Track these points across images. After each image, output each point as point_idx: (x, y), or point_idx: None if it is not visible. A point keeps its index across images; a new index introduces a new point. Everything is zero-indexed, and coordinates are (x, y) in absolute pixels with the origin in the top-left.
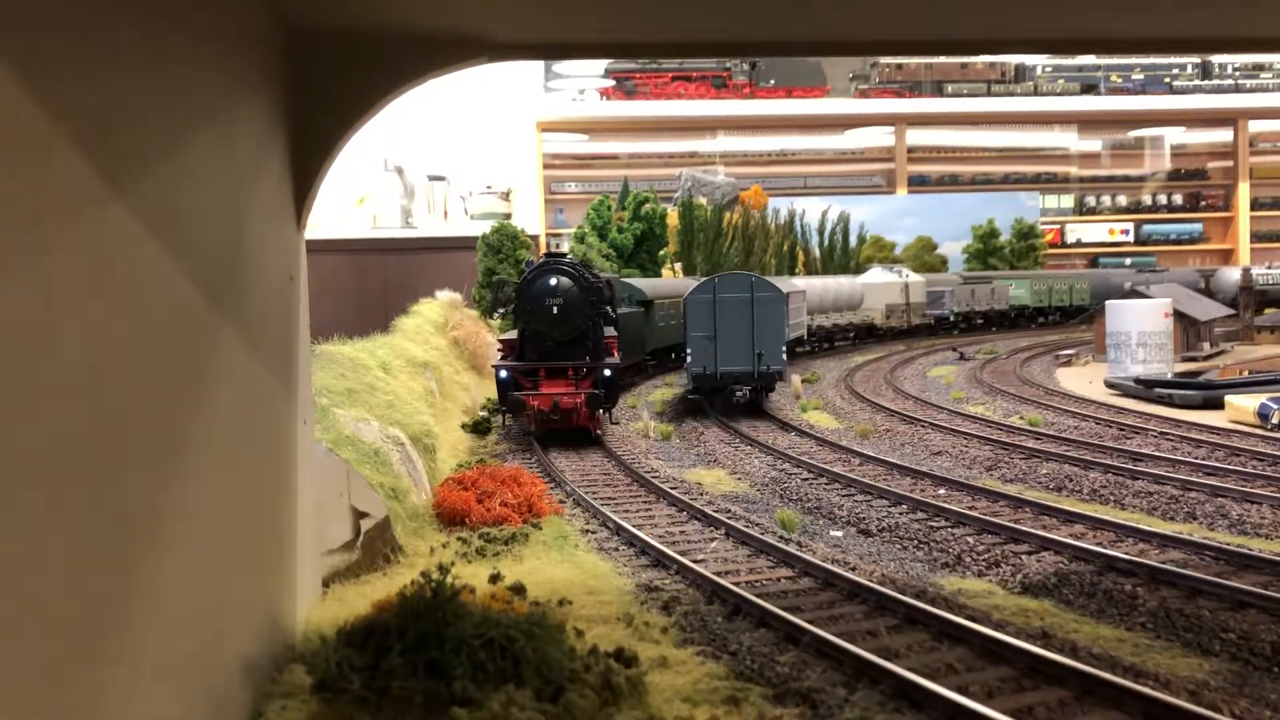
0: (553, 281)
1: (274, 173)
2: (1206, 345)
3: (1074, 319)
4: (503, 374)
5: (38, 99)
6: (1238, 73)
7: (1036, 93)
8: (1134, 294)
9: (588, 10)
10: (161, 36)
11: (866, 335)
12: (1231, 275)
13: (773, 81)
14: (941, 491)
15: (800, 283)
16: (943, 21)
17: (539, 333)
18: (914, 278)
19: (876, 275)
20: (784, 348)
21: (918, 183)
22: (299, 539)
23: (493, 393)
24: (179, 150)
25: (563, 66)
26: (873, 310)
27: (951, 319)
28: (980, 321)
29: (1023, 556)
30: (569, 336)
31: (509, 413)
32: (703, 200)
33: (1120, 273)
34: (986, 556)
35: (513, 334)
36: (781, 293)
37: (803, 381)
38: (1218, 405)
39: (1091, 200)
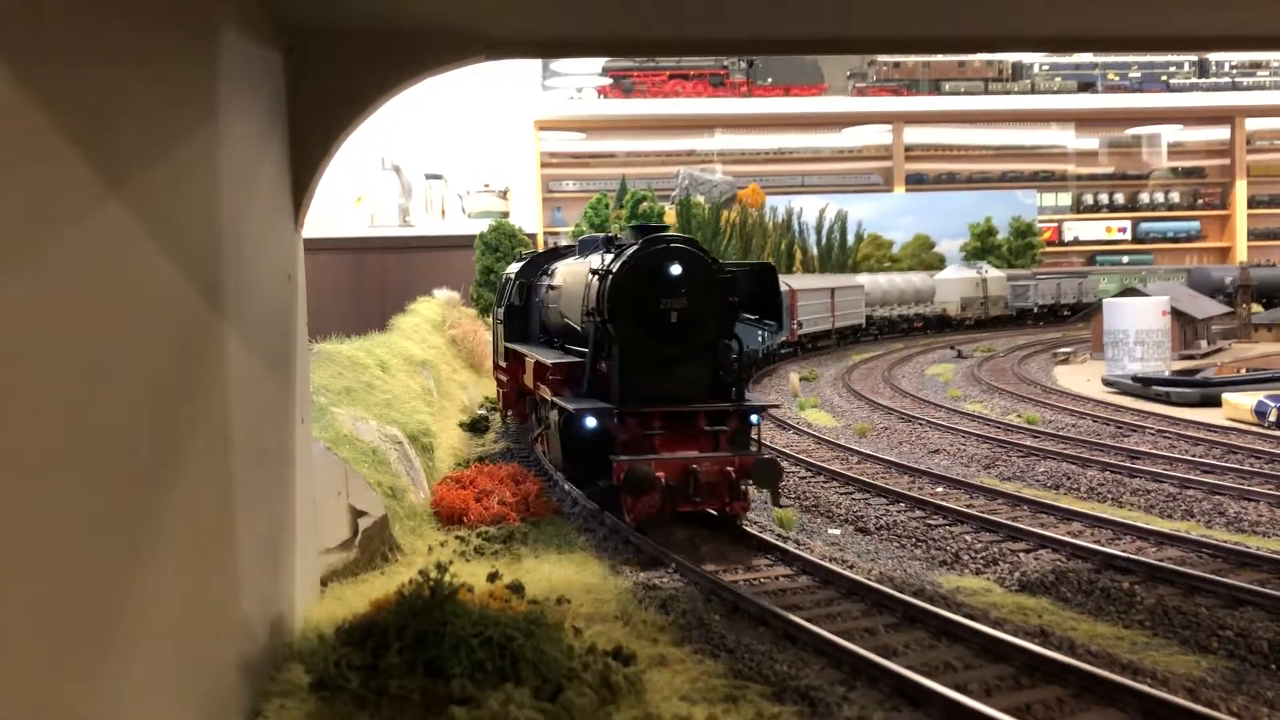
0: (674, 270)
1: (272, 171)
2: (1204, 343)
3: None
4: (588, 422)
5: (35, 97)
6: (1235, 70)
7: (1034, 91)
8: (1241, 289)
9: (586, 8)
10: (159, 35)
11: (941, 326)
12: None
13: (770, 80)
14: (939, 489)
15: (862, 279)
16: (940, 19)
17: (639, 354)
18: (993, 273)
19: (951, 272)
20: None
21: (915, 181)
22: (297, 538)
23: (491, 390)
24: (176, 149)
25: (560, 65)
26: (946, 303)
27: (1035, 310)
28: (1067, 314)
29: (1020, 554)
30: (690, 360)
31: (606, 490)
32: (700, 199)
33: (1222, 268)
34: (984, 554)
35: (563, 355)
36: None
37: (801, 380)
38: (1215, 403)
39: (1089, 198)
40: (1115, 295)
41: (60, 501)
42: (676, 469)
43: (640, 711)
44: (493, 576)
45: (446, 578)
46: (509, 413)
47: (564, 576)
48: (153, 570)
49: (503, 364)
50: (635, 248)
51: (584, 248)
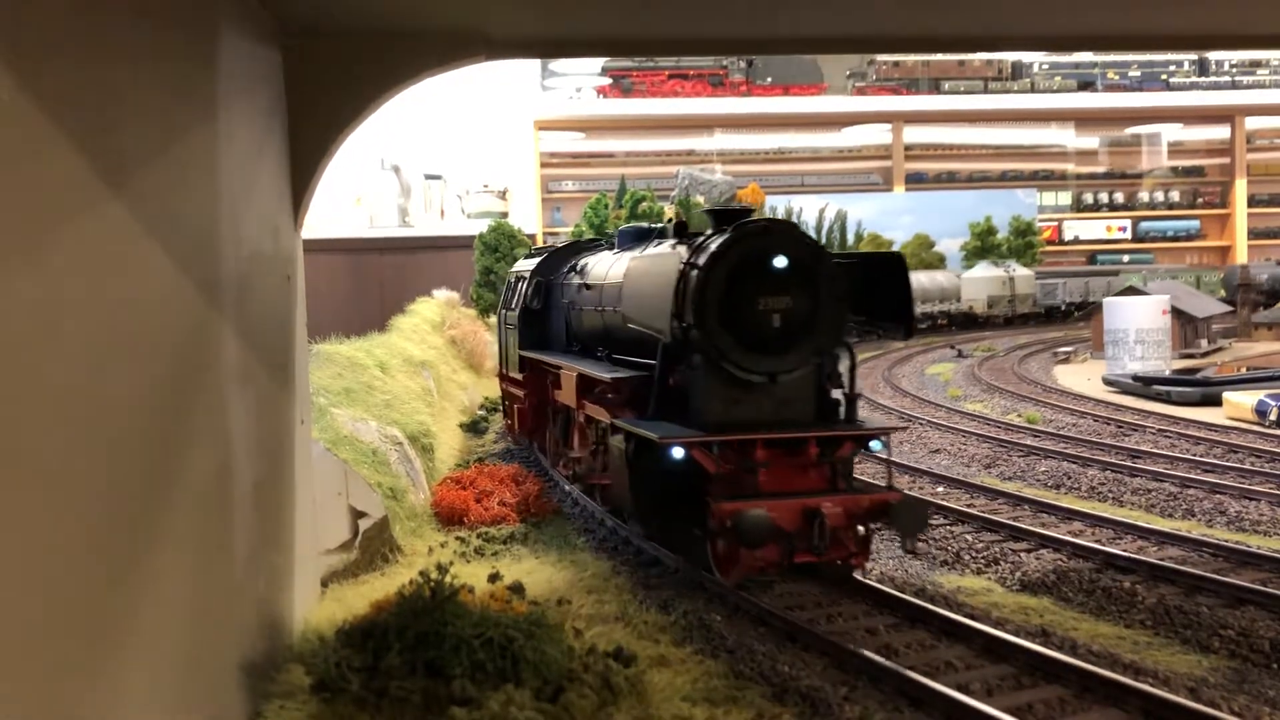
0: (778, 262)
1: (271, 171)
2: (1204, 342)
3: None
4: (676, 453)
5: (36, 95)
6: (1235, 69)
7: (1033, 90)
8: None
9: (585, 8)
10: (159, 34)
11: (967, 324)
12: None
13: (770, 79)
14: (940, 489)
15: None
16: (941, 18)
17: (730, 367)
18: (1021, 271)
19: (978, 270)
20: None
21: (915, 180)
22: (297, 539)
23: (492, 391)
24: (176, 148)
25: (559, 65)
26: (973, 300)
27: (1064, 308)
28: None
29: (1021, 554)
30: (792, 376)
31: (702, 541)
32: (700, 198)
33: (1260, 265)
34: (985, 554)
35: (613, 368)
36: None
37: None
38: (1215, 402)
39: (1089, 197)
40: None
41: (60, 501)
42: (794, 513)
43: (641, 712)
44: (493, 577)
45: (447, 579)
46: (520, 433)
47: (565, 577)
48: (152, 571)
49: (516, 375)
50: (725, 235)
51: (626, 240)
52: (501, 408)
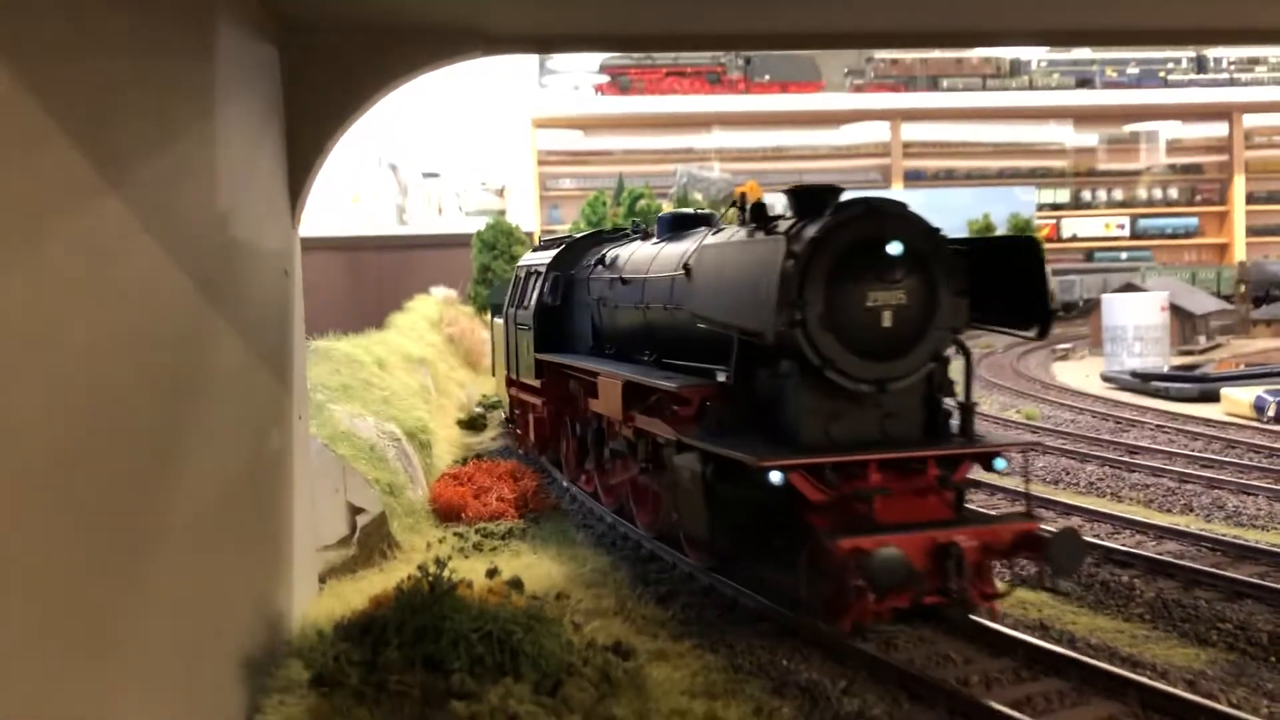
0: (893, 249)
1: (268, 168)
2: (1203, 339)
3: None
4: (774, 477)
5: (34, 90)
6: (1233, 66)
7: (1031, 87)
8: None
9: (582, 2)
10: (157, 30)
11: None
12: None
13: (767, 77)
14: None
15: None
16: (939, 12)
17: (830, 373)
18: None
19: None
20: None
21: (913, 178)
22: (295, 534)
23: (490, 388)
24: (174, 145)
25: (557, 63)
26: None
27: (1081, 304)
28: None
29: None
30: (904, 384)
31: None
32: (698, 196)
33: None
34: None
35: (685, 379)
36: None
37: None
38: (1214, 398)
39: (1087, 195)
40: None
41: (59, 497)
42: (923, 549)
43: (640, 705)
44: (492, 572)
45: (445, 573)
46: (534, 446)
47: (564, 572)
48: (152, 567)
49: (530, 381)
50: (824, 219)
51: (667, 228)
52: (506, 416)
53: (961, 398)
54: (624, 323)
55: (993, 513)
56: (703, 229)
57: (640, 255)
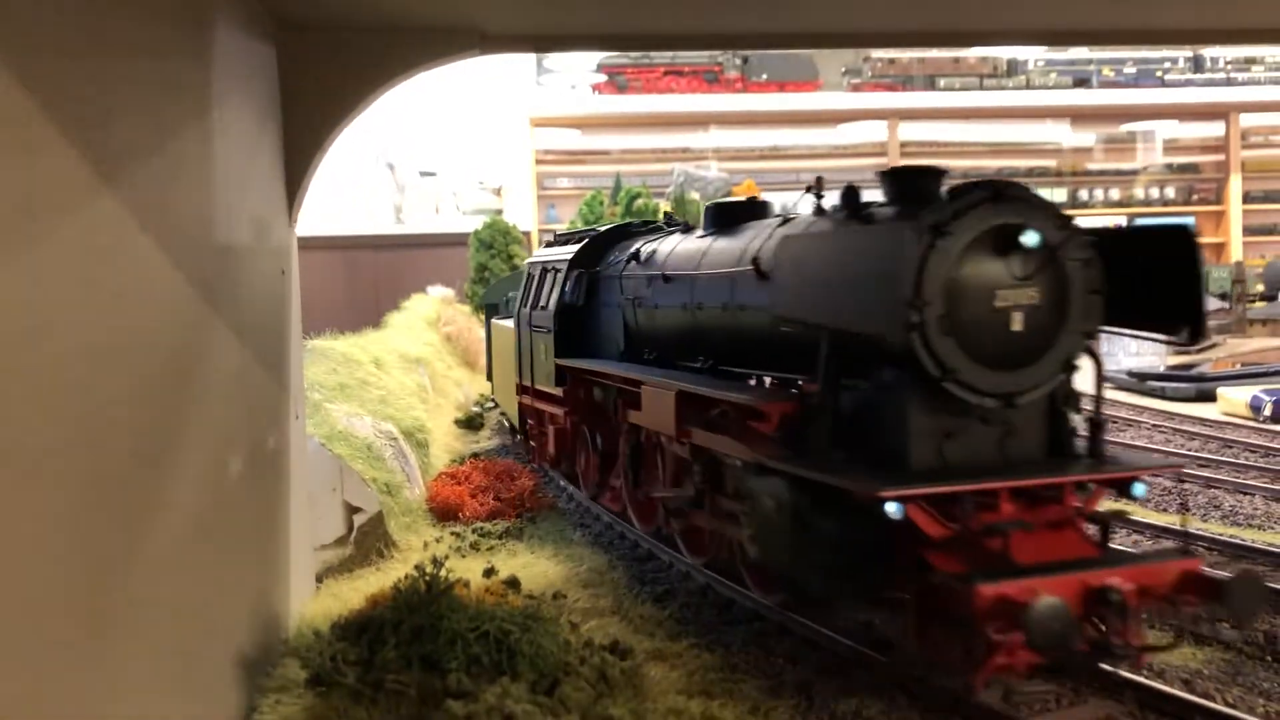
0: (1029, 239)
1: (265, 167)
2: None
3: None
4: (891, 508)
5: (29, 89)
6: (1229, 66)
7: (1029, 87)
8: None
9: (580, 2)
10: (153, 28)
11: None
12: None
13: (765, 76)
14: None
15: None
16: (936, 13)
17: (948, 384)
18: None
19: None
20: None
21: None
22: (292, 534)
23: (487, 387)
24: (171, 142)
25: (554, 62)
26: None
27: None
28: None
29: None
30: (1032, 397)
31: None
32: (695, 195)
33: None
34: None
35: (758, 392)
36: None
37: None
38: (1210, 398)
39: (1084, 194)
40: None
41: (53, 497)
42: (1075, 594)
43: (637, 705)
44: (488, 572)
45: (442, 573)
46: (552, 459)
47: (561, 572)
48: (148, 565)
49: (549, 389)
50: (944, 203)
51: (718, 219)
52: (511, 426)
53: (1089, 412)
54: (666, 325)
55: (1136, 551)
56: (766, 221)
57: (685, 250)
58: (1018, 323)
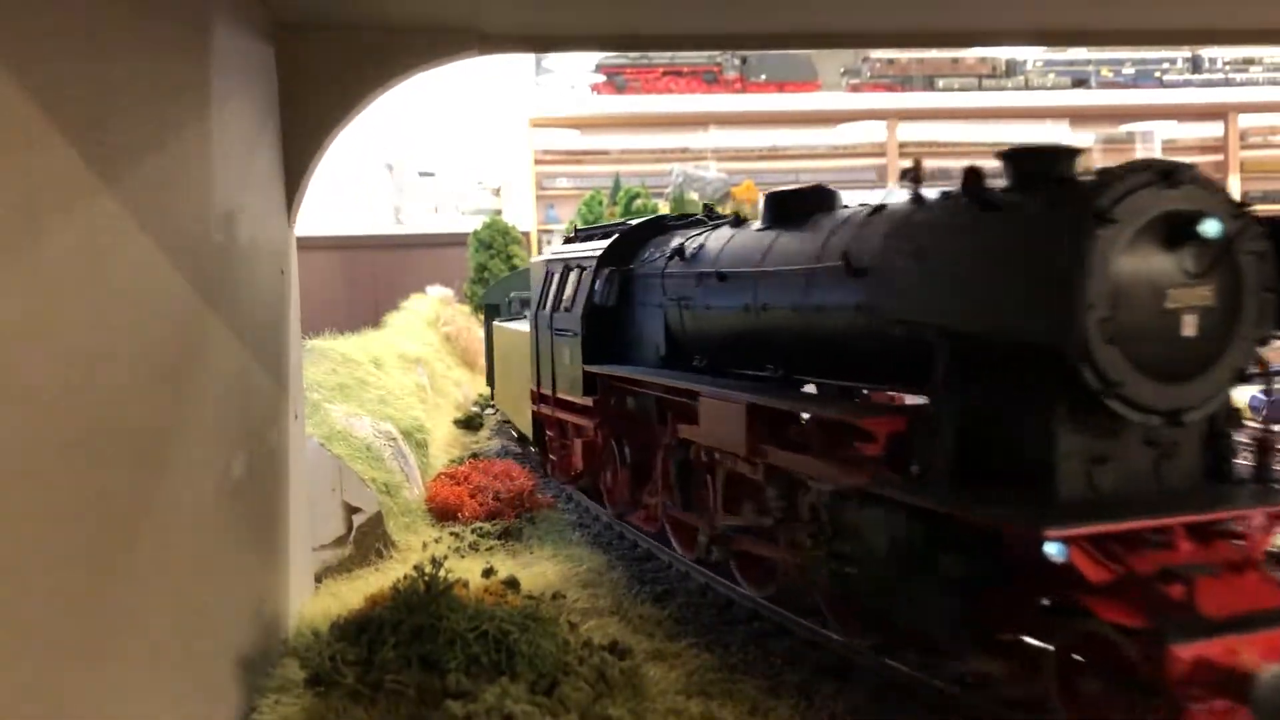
0: (1210, 230)
1: (264, 166)
2: None
3: None
4: (1052, 549)
5: (28, 88)
6: (1228, 66)
7: (1028, 87)
8: None
9: (579, 2)
10: (152, 27)
11: None
12: None
13: (764, 76)
14: None
15: None
16: (935, 14)
17: (1111, 400)
18: None
19: None
20: None
21: None
22: (291, 534)
23: (486, 389)
24: (170, 142)
25: (553, 62)
26: None
27: None
28: None
29: None
30: (1200, 415)
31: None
32: (694, 195)
33: None
34: None
35: (868, 405)
36: None
37: None
38: None
39: None
40: None
41: (51, 498)
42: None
43: (636, 705)
44: (488, 572)
45: (441, 573)
46: (578, 475)
47: (560, 572)
48: (146, 567)
49: (577, 399)
50: (1103, 186)
51: (779, 210)
52: (527, 438)
53: (1256, 430)
54: (720, 328)
55: None
56: (845, 211)
57: (740, 245)
58: (1190, 327)
